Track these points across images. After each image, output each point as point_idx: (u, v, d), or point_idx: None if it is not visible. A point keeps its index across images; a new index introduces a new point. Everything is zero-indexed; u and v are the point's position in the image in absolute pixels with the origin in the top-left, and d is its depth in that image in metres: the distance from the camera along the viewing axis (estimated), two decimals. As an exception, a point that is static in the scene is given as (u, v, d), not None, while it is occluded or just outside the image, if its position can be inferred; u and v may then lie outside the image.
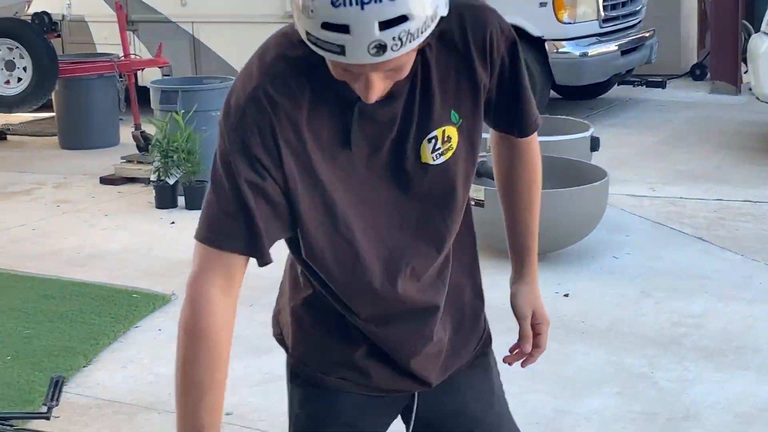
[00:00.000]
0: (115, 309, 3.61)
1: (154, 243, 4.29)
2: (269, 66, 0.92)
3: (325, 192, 0.94)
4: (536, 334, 1.18)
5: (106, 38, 6.19)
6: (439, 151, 1.02)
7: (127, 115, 5.71)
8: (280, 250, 1.02)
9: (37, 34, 5.50)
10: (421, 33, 0.81)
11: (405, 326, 1.06)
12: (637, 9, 5.82)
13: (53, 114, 5.95)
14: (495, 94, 1.06)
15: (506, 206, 1.21)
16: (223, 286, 0.90)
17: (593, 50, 5.36)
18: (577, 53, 5.33)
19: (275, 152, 0.90)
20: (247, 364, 3.02)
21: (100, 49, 6.25)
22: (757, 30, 5.11)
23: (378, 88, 0.87)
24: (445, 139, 1.02)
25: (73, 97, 5.62)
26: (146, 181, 4.88)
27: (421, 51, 0.91)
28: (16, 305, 3.69)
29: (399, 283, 1.02)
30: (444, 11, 0.83)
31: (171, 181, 4.52)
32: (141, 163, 5.01)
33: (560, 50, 5.31)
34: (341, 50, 0.80)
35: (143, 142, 4.99)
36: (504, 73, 1.04)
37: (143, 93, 5.34)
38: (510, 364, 1.19)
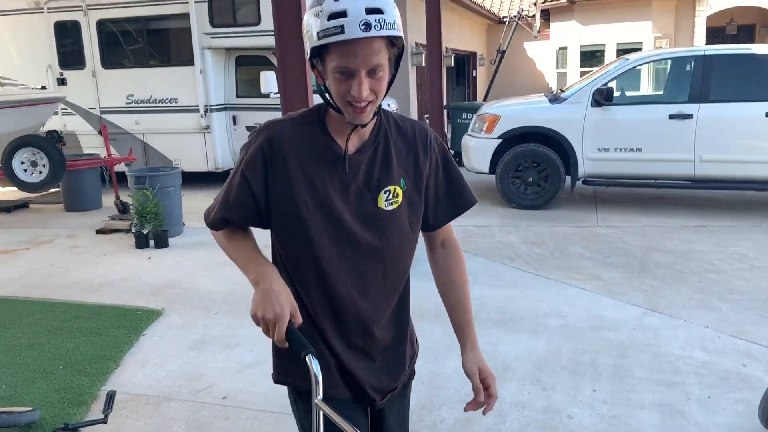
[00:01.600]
0: (127, 323, 4.19)
1: (141, 272, 5.41)
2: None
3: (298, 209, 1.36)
4: (486, 387, 1.51)
5: (88, 143, 9.22)
6: (390, 202, 1.43)
7: (106, 188, 8.02)
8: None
9: (51, 144, 7.43)
10: (392, 28, 1.22)
11: (352, 327, 1.45)
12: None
13: (59, 189, 8.20)
14: (433, 182, 1.51)
15: (446, 298, 1.61)
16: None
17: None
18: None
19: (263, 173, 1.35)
20: (225, 357, 3.75)
21: (86, 150, 9.08)
22: (466, 131, 8.73)
23: (366, 87, 1.26)
24: (395, 194, 1.44)
25: (73, 178, 7.84)
26: (126, 231, 6.63)
27: (384, 131, 1.44)
28: (56, 325, 4.16)
29: (348, 291, 1.42)
30: (400, 33, 1.25)
31: (145, 231, 6.14)
32: (121, 220, 6.96)
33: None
34: (341, 29, 1.18)
35: (122, 207, 7.33)
36: (438, 166, 1.52)
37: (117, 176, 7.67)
38: (469, 410, 1.53)
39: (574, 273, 5.28)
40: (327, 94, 1.36)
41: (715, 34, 17.35)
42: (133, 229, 6.31)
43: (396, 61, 1.34)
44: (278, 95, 8.17)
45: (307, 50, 1.29)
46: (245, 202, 1.43)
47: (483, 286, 4.87)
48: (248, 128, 9.12)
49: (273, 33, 8.01)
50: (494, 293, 4.73)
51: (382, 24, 1.22)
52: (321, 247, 1.41)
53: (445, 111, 9.88)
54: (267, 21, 8.39)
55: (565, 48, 17.07)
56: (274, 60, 8.79)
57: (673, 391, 3.33)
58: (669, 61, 7.74)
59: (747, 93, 6.84)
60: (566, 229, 6.70)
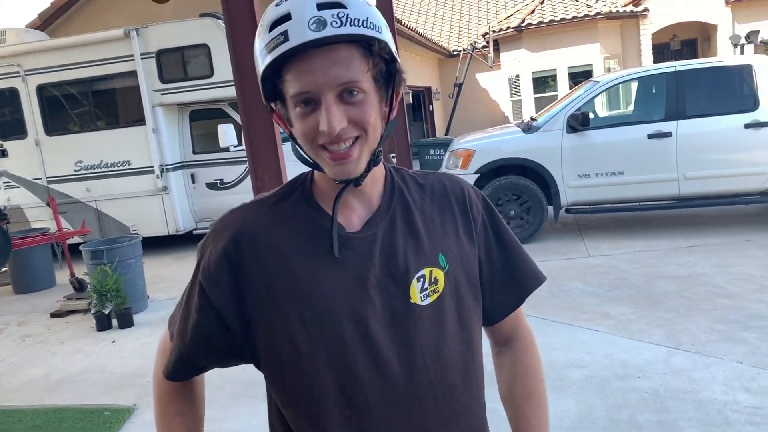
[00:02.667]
0: (94, 428, 3.68)
1: (105, 361, 4.83)
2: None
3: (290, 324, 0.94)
4: None
5: (36, 216, 8.59)
6: (426, 292, 0.98)
7: (59, 264, 7.21)
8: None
9: (-5, 224, 6.61)
10: (363, 26, 0.87)
11: None
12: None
13: (5, 270, 7.44)
14: (485, 254, 1.07)
15: (517, 414, 1.16)
16: None
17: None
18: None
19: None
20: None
21: (34, 224, 8.43)
22: (436, 167, 8.54)
23: (336, 114, 0.88)
24: (432, 280, 0.99)
25: (21, 257, 7.11)
26: (84, 312, 5.97)
27: (399, 192, 1.02)
28: (13, 441, 3.52)
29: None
30: (379, 34, 0.89)
31: (106, 311, 5.59)
32: (78, 299, 6.23)
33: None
34: (285, 37, 0.85)
35: (78, 285, 6.52)
36: (488, 232, 1.08)
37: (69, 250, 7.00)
38: None
39: (580, 313, 4.91)
40: (298, 147, 0.98)
41: (660, 50, 17.68)
42: (92, 310, 5.72)
43: (388, 82, 0.96)
44: (240, 148, 7.90)
45: (261, 88, 0.95)
46: (210, 330, 1.01)
47: (485, 339, 4.48)
48: (209, 185, 8.63)
49: (227, 84, 7.81)
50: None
51: (345, 20, 0.87)
52: (332, 386, 0.97)
53: (411, 149, 9.58)
54: (220, 72, 8.01)
55: (517, 76, 17.12)
56: (230, 112, 8.39)
57: (734, 449, 2.93)
58: (637, 81, 7.58)
59: (723, 106, 6.69)
60: (558, 263, 6.36)
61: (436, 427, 1.00)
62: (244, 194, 8.30)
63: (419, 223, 1.02)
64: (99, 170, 8.52)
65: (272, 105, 0.98)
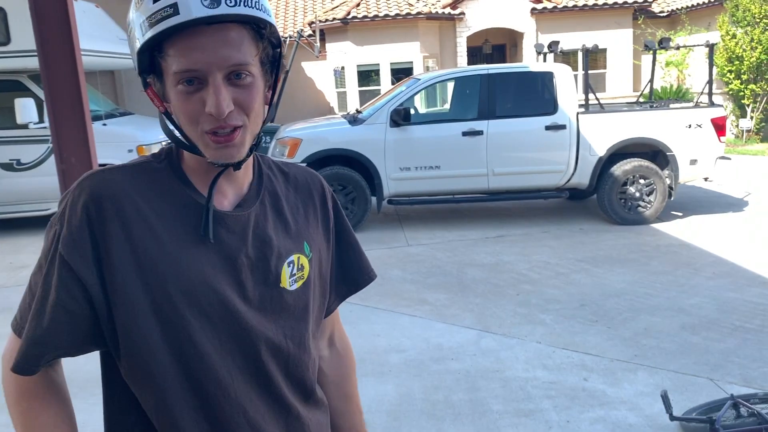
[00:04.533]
0: None
1: None
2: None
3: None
4: None
5: None
6: (295, 278, 1.00)
7: None
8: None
9: None
10: (256, 7, 0.85)
11: None
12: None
13: None
14: (329, 248, 1.10)
15: (337, 418, 1.21)
16: None
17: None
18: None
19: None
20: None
21: None
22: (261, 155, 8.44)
23: (225, 97, 0.84)
24: (299, 266, 1.01)
25: None
26: None
27: (267, 179, 1.03)
28: None
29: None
30: (270, 18, 0.88)
31: None
32: None
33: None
34: (174, 9, 0.80)
35: None
36: (333, 227, 1.12)
37: None
38: None
39: (401, 299, 5.12)
40: (172, 127, 0.94)
41: (473, 53, 18.92)
42: None
43: (273, 67, 0.95)
44: (41, 125, 7.14)
45: (135, 61, 0.89)
46: (72, 307, 0.90)
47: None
48: (4, 166, 7.70)
49: (27, 54, 6.99)
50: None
51: (242, 0, 0.85)
52: (206, 365, 0.93)
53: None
54: (18, 40, 7.17)
55: (343, 68, 17.36)
56: (30, 85, 7.56)
57: (533, 422, 3.24)
58: (454, 81, 8.04)
59: (528, 108, 7.33)
60: (380, 252, 6.57)
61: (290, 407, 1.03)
62: (45, 176, 7.53)
63: (287, 210, 1.03)
64: None
65: (146, 79, 0.92)
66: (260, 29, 0.90)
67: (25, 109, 7.07)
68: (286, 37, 17.26)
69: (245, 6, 0.85)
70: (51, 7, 3.23)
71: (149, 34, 0.84)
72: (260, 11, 0.87)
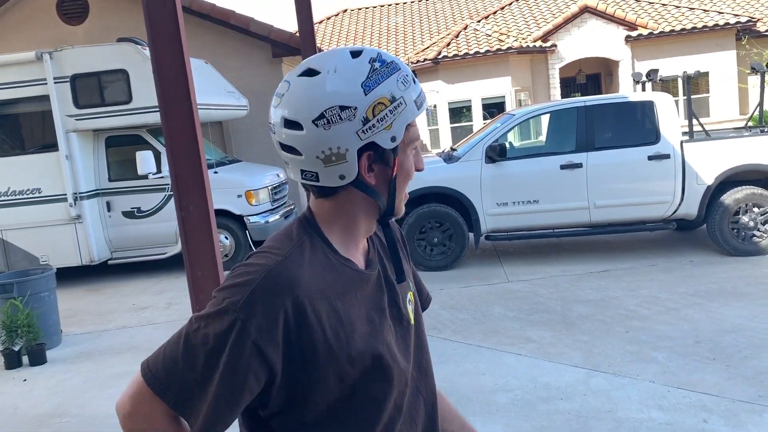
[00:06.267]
0: None
1: (17, 401, 4.61)
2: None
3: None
4: None
5: None
6: (413, 313, 1.13)
7: None
8: None
9: None
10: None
11: None
12: (285, 193, 9.24)
13: None
14: None
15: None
16: None
17: (271, 218, 8.54)
18: (263, 221, 8.46)
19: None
20: None
21: None
22: None
23: None
24: (412, 299, 1.15)
25: None
26: None
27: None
28: None
29: None
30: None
31: (17, 348, 5.35)
32: None
33: (252, 221, 8.40)
34: (424, 99, 1.04)
35: None
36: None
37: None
38: None
39: (504, 337, 5.08)
40: (388, 186, 1.06)
41: (567, 84, 18.66)
42: (1, 347, 5.42)
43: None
44: (159, 175, 7.71)
45: (400, 130, 1.00)
46: (255, 390, 0.95)
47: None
48: (125, 214, 8.33)
49: (146, 110, 7.59)
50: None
51: None
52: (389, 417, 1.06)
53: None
54: (139, 98, 7.82)
55: (434, 106, 17.60)
56: (149, 138, 8.19)
57: (652, 464, 3.12)
58: (550, 114, 7.99)
59: (628, 138, 7.16)
60: (480, 288, 6.56)
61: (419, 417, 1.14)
62: (162, 222, 8.08)
63: (381, 251, 1.15)
64: (6, 198, 8.07)
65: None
66: None
67: (145, 161, 7.65)
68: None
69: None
70: (171, 67, 3.51)
71: (418, 113, 1.02)
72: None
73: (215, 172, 8.12)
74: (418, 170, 1.06)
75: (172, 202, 5.11)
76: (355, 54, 0.98)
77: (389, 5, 23.88)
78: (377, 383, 1.01)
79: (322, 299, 0.99)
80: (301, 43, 4.84)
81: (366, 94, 0.96)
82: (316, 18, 22.46)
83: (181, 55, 3.30)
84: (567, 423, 3.60)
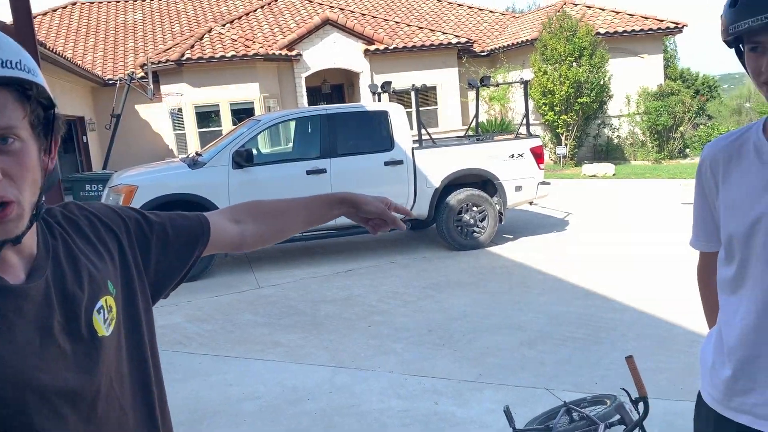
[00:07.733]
0: None
1: None
2: None
3: None
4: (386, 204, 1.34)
5: None
6: (108, 321, 0.96)
7: None
8: None
9: None
10: (17, 68, 0.81)
11: None
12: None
13: None
14: (156, 247, 1.10)
15: (275, 223, 1.32)
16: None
17: None
18: None
19: None
20: None
21: None
22: None
23: None
24: (108, 308, 0.97)
25: None
26: None
27: (54, 230, 0.97)
28: None
29: None
30: (35, 78, 0.83)
31: None
32: None
33: None
34: None
35: None
36: (146, 231, 1.10)
37: None
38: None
39: (253, 344, 5.04)
40: None
41: (313, 93, 19.25)
42: None
43: (47, 129, 0.90)
44: None
45: None
46: None
47: (161, 383, 4.30)
48: None
49: None
50: (175, 390, 4.19)
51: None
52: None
53: (62, 184, 8.73)
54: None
55: (180, 109, 16.89)
56: None
57: (390, 451, 3.32)
58: (295, 121, 8.14)
59: (367, 145, 7.59)
60: (230, 297, 6.43)
61: None
62: None
63: (80, 255, 0.98)
64: None
65: None
66: (26, 90, 0.85)
67: None
68: (116, 80, 16.51)
69: (4, 67, 0.80)
70: None
71: None
72: (22, 71, 0.82)
73: None
74: None
75: None
76: None
77: (126, 1, 22.36)
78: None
79: None
80: (17, 37, 4.27)
81: None
82: (37, 8, 20.07)
83: None
84: (313, 423, 3.68)
